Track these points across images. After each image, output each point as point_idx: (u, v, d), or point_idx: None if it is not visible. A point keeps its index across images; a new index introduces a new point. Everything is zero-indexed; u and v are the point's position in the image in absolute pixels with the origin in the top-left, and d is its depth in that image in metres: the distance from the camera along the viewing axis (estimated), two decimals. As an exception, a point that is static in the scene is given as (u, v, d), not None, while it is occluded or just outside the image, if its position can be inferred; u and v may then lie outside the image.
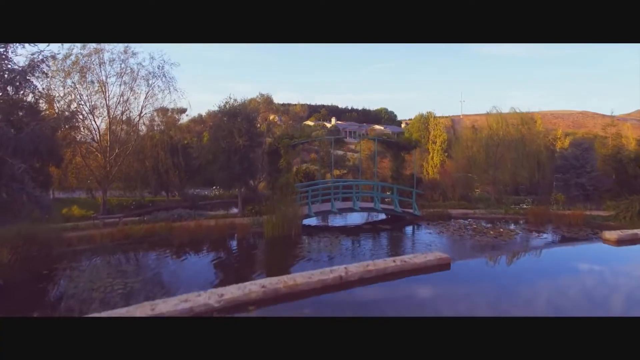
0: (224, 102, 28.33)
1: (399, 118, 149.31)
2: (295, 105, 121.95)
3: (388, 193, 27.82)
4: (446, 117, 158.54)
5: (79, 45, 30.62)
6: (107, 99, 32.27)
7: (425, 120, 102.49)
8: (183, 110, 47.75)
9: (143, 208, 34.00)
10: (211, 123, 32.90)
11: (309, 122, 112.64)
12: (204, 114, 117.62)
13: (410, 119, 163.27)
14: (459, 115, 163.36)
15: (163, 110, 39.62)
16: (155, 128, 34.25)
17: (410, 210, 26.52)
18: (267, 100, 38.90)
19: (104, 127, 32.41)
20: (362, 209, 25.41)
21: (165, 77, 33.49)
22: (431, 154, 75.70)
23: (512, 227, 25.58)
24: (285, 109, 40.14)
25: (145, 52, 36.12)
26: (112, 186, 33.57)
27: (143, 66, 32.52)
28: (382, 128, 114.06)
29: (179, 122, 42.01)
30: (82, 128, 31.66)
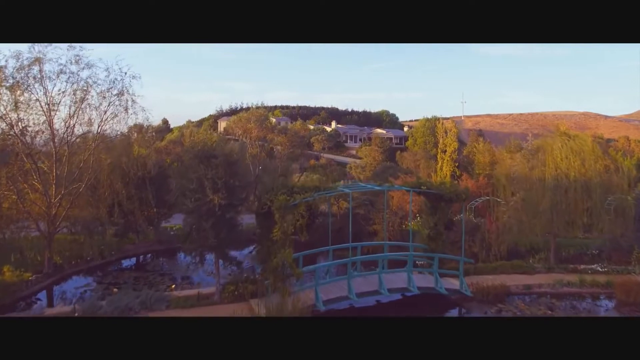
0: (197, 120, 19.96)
1: (400, 119, 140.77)
2: (295, 115, 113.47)
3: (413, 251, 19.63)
4: (447, 118, 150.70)
5: (7, 52, 22.45)
6: (52, 122, 24.01)
7: (430, 125, 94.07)
8: (161, 130, 39.62)
9: (102, 259, 25.76)
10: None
11: (309, 126, 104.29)
12: (198, 117, 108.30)
13: (411, 121, 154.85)
14: (460, 117, 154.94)
15: (136, 129, 31.41)
16: (117, 157, 25.92)
17: (456, 286, 18.40)
18: (261, 117, 30.56)
19: (50, 158, 24.11)
20: (392, 291, 17.24)
21: (128, 92, 25.27)
22: (440, 164, 67.50)
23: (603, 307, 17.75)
24: (283, 129, 31.87)
25: (101, 62, 28.08)
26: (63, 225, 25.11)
27: (95, 82, 24.23)
28: (384, 132, 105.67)
29: (155, 144, 33.61)
30: (17, 160, 23.40)
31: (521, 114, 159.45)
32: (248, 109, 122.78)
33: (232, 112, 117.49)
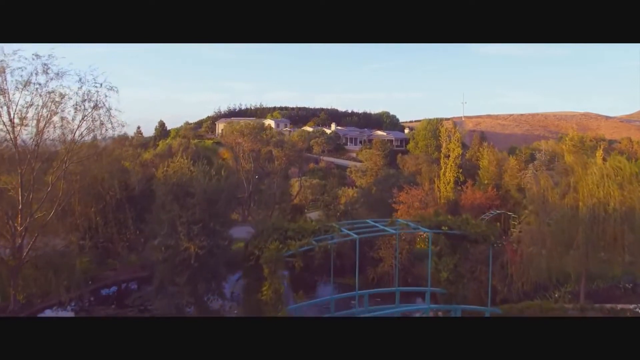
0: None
1: (400, 120, 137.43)
2: (295, 116, 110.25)
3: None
4: (448, 119, 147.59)
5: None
6: (17, 140, 20.88)
7: (432, 128, 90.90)
8: (143, 143, 36.41)
9: (70, 293, 22.63)
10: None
11: (308, 128, 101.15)
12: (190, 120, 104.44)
13: (411, 122, 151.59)
14: (461, 117, 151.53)
15: (120, 141, 28.33)
16: (93, 176, 22.77)
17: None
18: (255, 129, 27.46)
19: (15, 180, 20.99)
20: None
21: (104, 106, 22.14)
22: (443, 169, 64.43)
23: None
24: (279, 141, 28.77)
25: (74, 71, 24.24)
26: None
27: (67, 94, 21.10)
28: (384, 134, 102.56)
29: (141, 157, 30.43)
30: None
31: (522, 114, 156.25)
32: (247, 110, 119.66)
33: (231, 113, 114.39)
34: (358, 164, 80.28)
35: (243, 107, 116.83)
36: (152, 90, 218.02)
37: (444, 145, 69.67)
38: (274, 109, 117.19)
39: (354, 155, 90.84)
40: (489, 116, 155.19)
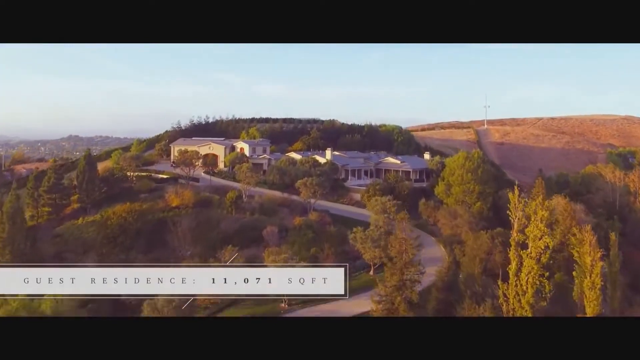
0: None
1: (404, 127, 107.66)
2: (277, 135, 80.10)
3: None
4: (467, 126, 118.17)
5: None
6: None
7: (472, 166, 61.83)
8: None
9: None
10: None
11: (294, 155, 72.32)
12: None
13: (422, 127, 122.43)
14: (483, 123, 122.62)
15: None
16: None
17: None
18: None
19: None
20: None
21: None
22: (514, 265, 35.85)
23: None
24: None
25: None
26: None
27: None
28: (397, 162, 73.73)
29: None
30: None
31: (552, 118, 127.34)
32: (216, 123, 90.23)
33: (195, 129, 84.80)
34: (370, 223, 50.79)
35: (211, 120, 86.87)
36: (148, 87, 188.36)
37: (515, 224, 39.50)
38: (252, 120, 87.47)
39: (357, 197, 62.76)
40: (513, 120, 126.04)
